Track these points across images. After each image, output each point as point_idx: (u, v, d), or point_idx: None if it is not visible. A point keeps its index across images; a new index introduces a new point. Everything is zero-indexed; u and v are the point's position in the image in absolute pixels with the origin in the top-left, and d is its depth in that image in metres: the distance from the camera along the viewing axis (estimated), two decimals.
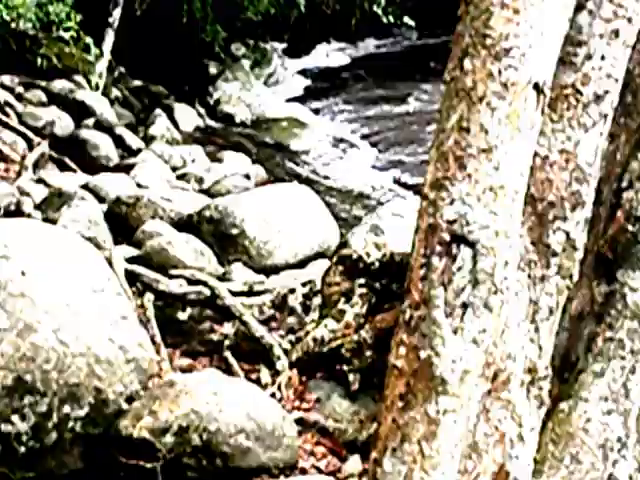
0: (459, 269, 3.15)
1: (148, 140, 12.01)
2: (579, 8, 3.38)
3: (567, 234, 3.45)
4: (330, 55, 18.79)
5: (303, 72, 17.70)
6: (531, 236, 3.42)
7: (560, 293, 3.50)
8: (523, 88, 3.13)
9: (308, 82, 17.34)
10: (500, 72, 3.12)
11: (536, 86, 3.17)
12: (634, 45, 3.90)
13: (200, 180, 10.47)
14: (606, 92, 3.40)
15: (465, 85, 3.17)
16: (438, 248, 3.17)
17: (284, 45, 18.05)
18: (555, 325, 3.55)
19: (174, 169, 10.88)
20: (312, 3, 16.98)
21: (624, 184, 3.96)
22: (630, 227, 3.89)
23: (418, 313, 3.21)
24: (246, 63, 16.66)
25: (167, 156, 11.21)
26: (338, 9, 18.42)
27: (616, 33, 3.38)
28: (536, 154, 3.37)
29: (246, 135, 14.22)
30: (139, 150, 11.16)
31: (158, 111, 13.31)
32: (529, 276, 3.42)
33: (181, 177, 10.58)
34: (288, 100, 16.30)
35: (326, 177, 12.85)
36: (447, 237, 3.16)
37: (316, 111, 15.97)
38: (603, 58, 3.38)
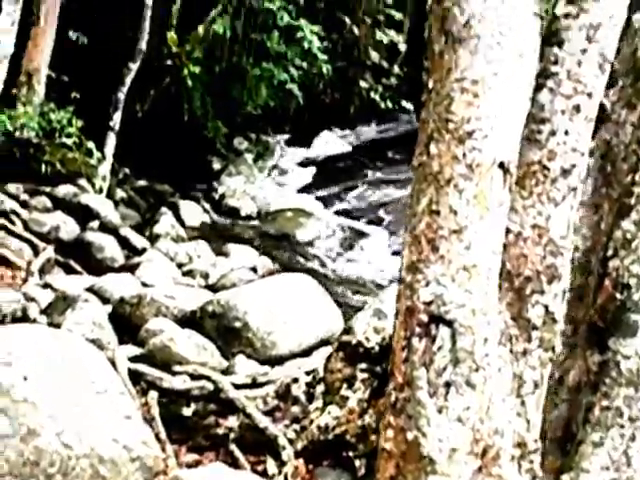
0: (439, 349, 3.21)
1: (154, 239, 12.15)
2: (539, 87, 3.48)
3: (546, 307, 3.50)
4: (332, 143, 19.02)
5: (306, 162, 17.91)
6: (510, 311, 3.47)
7: (544, 366, 3.54)
8: (488, 168, 3.22)
9: (312, 171, 17.53)
10: (465, 155, 3.21)
11: (501, 165, 3.26)
12: (608, 116, 4.02)
13: (206, 275, 10.57)
14: (573, 166, 3.48)
15: (432, 169, 3.26)
16: (417, 329, 3.24)
17: (286, 136, 18.31)
18: (542, 398, 3.58)
19: (180, 266, 10.99)
20: (310, 93, 17.26)
21: (609, 253, 4.01)
22: (618, 295, 3.93)
23: (402, 395, 3.27)
24: (249, 157, 16.90)
25: (172, 253, 11.33)
26: (337, 98, 18.73)
27: (577, 108, 3.47)
28: (509, 230, 3.44)
29: (252, 228, 14.37)
30: (144, 249, 11.28)
31: (163, 209, 13.50)
32: (511, 351, 3.46)
33: (187, 273, 10.68)
34: (292, 191, 16.49)
35: (333, 264, 12.93)
36: (425, 318, 3.22)
37: (321, 199, 16.13)
38: (567, 133, 3.47)
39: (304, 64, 15.95)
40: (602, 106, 3.86)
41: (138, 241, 11.48)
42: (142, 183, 14.84)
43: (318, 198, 16.22)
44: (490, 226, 3.27)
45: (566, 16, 3.45)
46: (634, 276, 3.93)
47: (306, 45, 15.59)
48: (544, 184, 3.46)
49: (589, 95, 3.49)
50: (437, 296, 3.21)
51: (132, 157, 14.28)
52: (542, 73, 3.48)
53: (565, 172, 3.47)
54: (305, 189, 16.72)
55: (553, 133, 3.47)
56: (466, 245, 3.21)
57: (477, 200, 3.21)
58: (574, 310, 4.02)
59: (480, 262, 3.24)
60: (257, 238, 13.68)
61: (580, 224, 4.04)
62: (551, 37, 3.48)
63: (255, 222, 14.72)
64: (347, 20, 18.18)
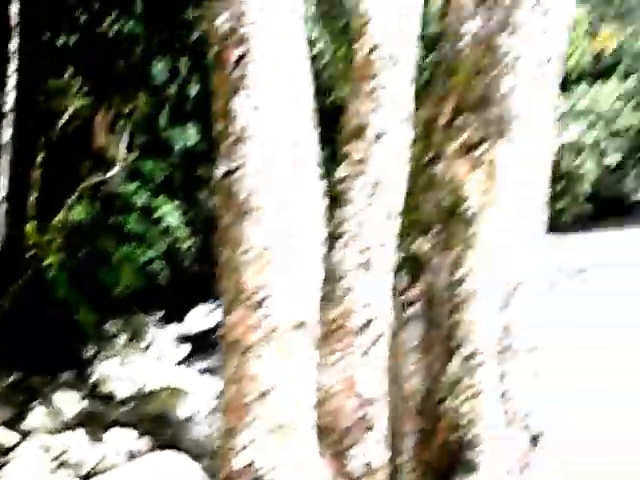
0: None
1: (26, 433, 11.90)
2: (332, 247, 3.67)
3: (364, 458, 3.60)
4: (207, 315, 19.01)
5: (182, 337, 17.85)
6: (331, 465, 3.56)
7: None
8: (286, 331, 3.36)
9: (188, 346, 17.47)
10: (261, 321, 3.34)
11: (300, 326, 3.40)
12: (427, 262, 4.21)
13: (80, 465, 10.38)
14: (370, 320, 3.65)
15: (234, 337, 3.38)
16: None
17: (159, 314, 18.27)
18: None
19: (54, 458, 10.78)
20: (177, 269, 17.37)
21: (442, 394, 4.15)
22: (453, 436, 4.06)
23: None
24: (123, 338, 16.81)
25: (46, 446, 11.11)
26: (205, 270, 18.85)
27: (369, 264, 3.67)
28: (320, 387, 3.56)
29: (129, 410, 14.18)
30: (16, 445, 11.05)
31: (37, 401, 13.28)
32: None
33: (61, 465, 10.47)
34: (169, 368, 16.38)
35: (214, 437, 12.82)
36: None
37: (199, 373, 16.05)
38: (362, 289, 3.64)
39: (166, 241, 16.11)
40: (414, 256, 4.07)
41: (8, 438, 11.24)
42: (14, 377, 14.60)
43: (196, 372, 16.15)
44: (298, 386, 3.38)
45: (346, 177, 3.68)
46: (465, 415, 4.07)
47: (166, 223, 15.80)
48: (346, 339, 3.61)
49: (380, 247, 3.68)
50: (253, 459, 3.29)
51: (1, 353, 14.08)
52: (332, 233, 3.67)
53: (364, 326, 3.63)
54: (183, 364, 16.63)
55: (349, 290, 3.64)
56: (275, 407, 3.31)
57: (280, 362, 3.33)
58: (420, 454, 4.12)
59: (291, 421, 3.33)
60: (135, 420, 13.49)
61: (407, 368, 4.19)
62: (336, 199, 3.68)
63: (132, 403, 14.54)
64: (204, 193, 18.49)
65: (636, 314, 12.28)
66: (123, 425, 12.87)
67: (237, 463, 3.31)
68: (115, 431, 12.38)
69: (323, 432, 3.56)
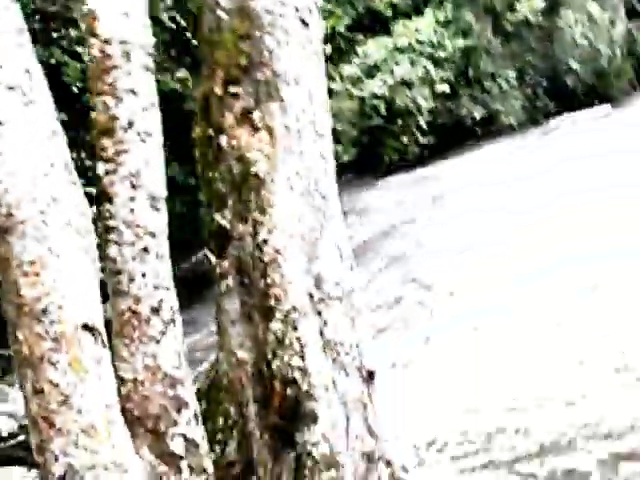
0: None
1: None
2: (106, 243, 3.73)
3: (184, 436, 3.69)
4: None
5: None
6: (154, 452, 3.64)
7: None
8: (73, 334, 3.40)
9: None
10: (47, 330, 3.38)
11: (86, 327, 3.45)
12: (232, 235, 4.27)
13: None
14: (161, 301, 3.73)
15: (25, 352, 3.41)
16: None
17: None
18: None
19: None
20: None
21: (270, 355, 4.24)
22: (289, 391, 4.16)
23: None
24: None
25: None
26: None
27: (146, 250, 3.74)
28: (125, 380, 3.64)
29: (18, 444, 13.91)
30: None
31: None
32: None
33: None
34: None
35: None
36: None
37: None
38: (144, 276, 3.71)
39: None
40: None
41: None
42: None
43: None
44: (98, 386, 3.43)
45: (106, 173, 3.73)
46: (297, 369, 4.17)
47: None
48: (140, 327, 3.68)
49: (152, 234, 3.75)
50: (69, 466, 3.35)
51: None
52: (104, 230, 3.72)
53: (155, 310, 3.71)
54: None
55: (132, 279, 3.71)
56: (78, 409, 3.37)
57: (73, 367, 3.38)
58: (264, 418, 4.21)
59: (99, 421, 3.40)
60: (23, 454, 13.25)
61: (235, 339, 4.27)
62: (101, 195, 3.74)
63: (19, 437, 14.27)
64: None
65: (494, 230, 12.56)
66: (10, 461, 12.61)
67: (56, 473, 3.36)
68: (1, 471, 12.11)
69: (138, 422, 3.63)
